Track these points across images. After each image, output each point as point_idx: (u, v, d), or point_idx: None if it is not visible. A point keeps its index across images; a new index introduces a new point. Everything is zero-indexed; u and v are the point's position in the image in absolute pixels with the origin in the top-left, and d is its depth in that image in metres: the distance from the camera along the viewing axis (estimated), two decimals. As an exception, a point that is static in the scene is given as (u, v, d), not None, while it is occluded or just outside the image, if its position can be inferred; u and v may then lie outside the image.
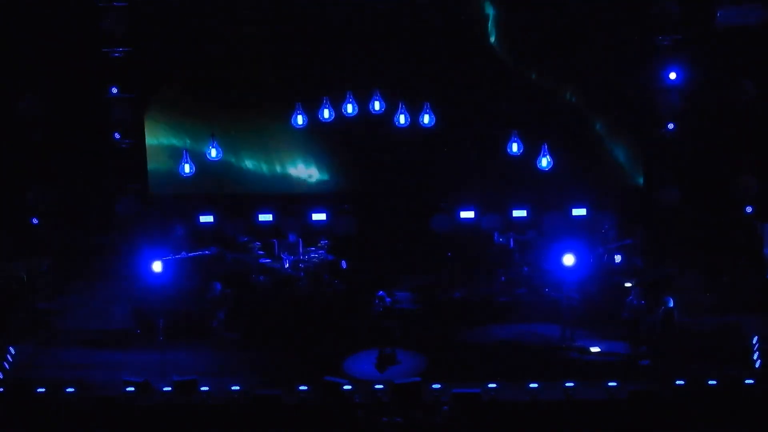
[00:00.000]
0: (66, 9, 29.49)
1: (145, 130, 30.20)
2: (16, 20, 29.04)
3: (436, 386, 24.37)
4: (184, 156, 29.71)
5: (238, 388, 24.85)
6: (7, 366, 26.21)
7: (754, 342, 25.61)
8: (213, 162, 30.05)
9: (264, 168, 30.64)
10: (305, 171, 30.60)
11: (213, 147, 29.64)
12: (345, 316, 28.16)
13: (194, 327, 27.62)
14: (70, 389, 24.76)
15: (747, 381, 24.19)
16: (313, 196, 30.46)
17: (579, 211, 29.45)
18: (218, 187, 30.47)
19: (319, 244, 29.32)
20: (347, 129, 30.06)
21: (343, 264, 29.44)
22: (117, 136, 29.87)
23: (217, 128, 30.06)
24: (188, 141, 30.26)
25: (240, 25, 29.71)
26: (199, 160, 30.01)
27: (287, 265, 28.98)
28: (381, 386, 24.54)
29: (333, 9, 29.45)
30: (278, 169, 30.64)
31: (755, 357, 25.41)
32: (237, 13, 29.57)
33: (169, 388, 24.59)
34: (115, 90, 29.50)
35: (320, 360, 26.27)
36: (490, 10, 29.53)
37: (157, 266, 28.67)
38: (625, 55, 29.15)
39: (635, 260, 28.60)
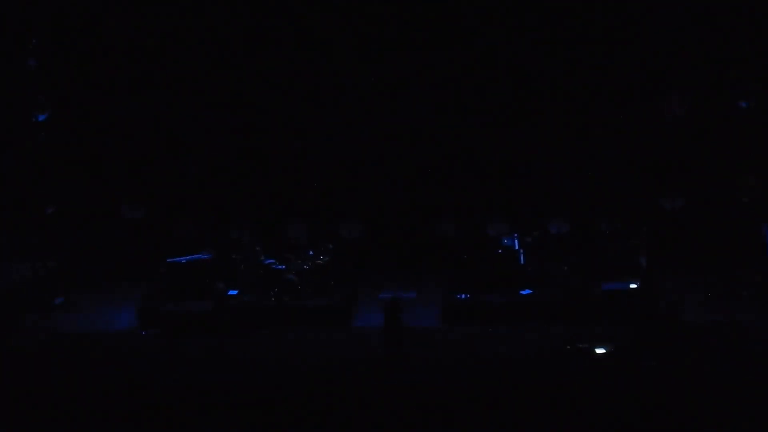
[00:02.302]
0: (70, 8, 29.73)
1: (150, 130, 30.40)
2: (26, 21, 29.14)
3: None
4: (188, 156, 29.90)
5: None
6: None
7: None
8: (218, 161, 30.24)
9: (268, 169, 30.78)
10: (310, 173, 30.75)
11: (217, 147, 29.85)
12: (349, 317, 28.37)
13: (199, 326, 27.70)
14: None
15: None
16: (317, 197, 30.59)
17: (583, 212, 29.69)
18: (222, 188, 30.62)
19: (323, 247, 29.36)
20: (351, 131, 30.31)
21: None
22: (122, 137, 30.06)
23: (222, 127, 30.26)
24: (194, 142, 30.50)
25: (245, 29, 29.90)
26: (204, 159, 30.19)
27: (291, 267, 29.00)
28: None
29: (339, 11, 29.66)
30: (282, 171, 30.80)
31: None
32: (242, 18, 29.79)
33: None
34: (119, 91, 29.74)
35: (321, 359, 26.48)
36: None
37: (162, 268, 28.98)
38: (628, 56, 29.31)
39: (639, 260, 28.55)
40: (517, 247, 28.99)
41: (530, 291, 28.52)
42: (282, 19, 29.65)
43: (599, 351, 26.14)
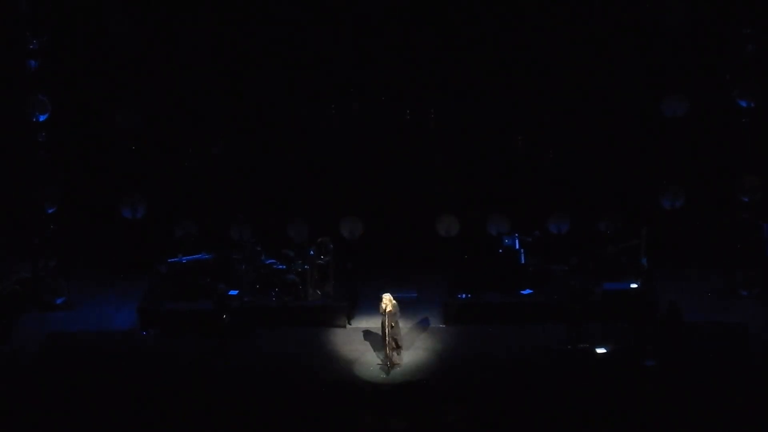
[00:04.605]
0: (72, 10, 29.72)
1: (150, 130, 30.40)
2: (22, 20, 29.10)
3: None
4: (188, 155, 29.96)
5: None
6: None
7: None
8: (219, 162, 30.28)
9: (268, 169, 30.80)
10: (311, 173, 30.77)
11: (220, 147, 29.89)
12: (349, 317, 28.40)
13: (200, 326, 27.62)
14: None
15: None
16: (318, 199, 30.63)
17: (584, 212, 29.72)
18: (223, 189, 30.63)
19: (324, 247, 29.24)
20: (353, 130, 30.35)
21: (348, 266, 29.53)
22: (122, 139, 30.09)
23: (225, 128, 30.29)
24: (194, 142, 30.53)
25: (245, 26, 29.87)
26: (205, 159, 30.25)
27: (292, 266, 28.96)
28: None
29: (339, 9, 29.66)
30: (282, 170, 30.81)
31: None
32: (243, 16, 29.77)
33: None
34: (120, 93, 29.78)
35: (324, 359, 26.53)
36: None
37: (162, 268, 28.98)
38: (629, 56, 29.34)
39: (640, 260, 28.57)
40: (517, 247, 28.98)
41: (531, 291, 28.53)
42: (282, 17, 29.63)
43: (600, 351, 26.15)
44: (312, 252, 28.78)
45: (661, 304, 27.15)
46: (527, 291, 28.50)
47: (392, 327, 25.86)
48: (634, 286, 27.92)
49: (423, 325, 28.01)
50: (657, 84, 29.27)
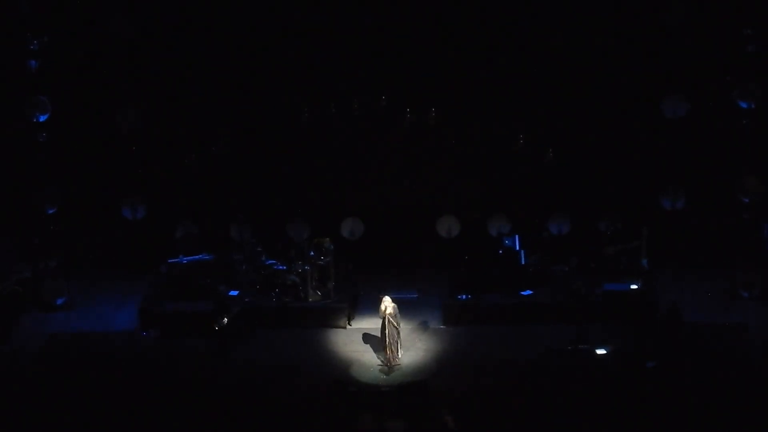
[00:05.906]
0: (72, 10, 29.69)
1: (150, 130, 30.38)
2: (23, 21, 29.09)
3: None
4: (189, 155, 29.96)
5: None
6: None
7: None
8: (219, 162, 30.28)
9: (268, 169, 30.78)
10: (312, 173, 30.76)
11: (219, 147, 29.90)
12: (350, 318, 28.39)
13: (201, 327, 27.61)
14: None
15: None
16: (318, 199, 30.63)
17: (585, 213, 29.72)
18: (223, 189, 30.62)
19: (325, 248, 29.22)
20: (352, 130, 30.33)
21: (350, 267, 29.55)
22: (122, 139, 30.08)
23: (225, 128, 30.28)
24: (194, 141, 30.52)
25: (245, 26, 29.86)
26: (205, 159, 30.26)
27: (293, 268, 28.95)
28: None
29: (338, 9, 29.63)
30: (283, 170, 30.80)
31: None
32: (241, 15, 29.75)
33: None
34: (120, 93, 29.77)
35: (324, 360, 26.52)
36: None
37: (163, 268, 28.98)
38: (629, 55, 29.33)
39: (641, 261, 28.57)
40: (518, 248, 28.98)
41: (531, 291, 28.52)
42: (282, 16, 29.60)
43: (600, 352, 26.15)
44: (312, 253, 28.81)
45: (661, 304, 27.20)
46: (527, 292, 28.52)
47: (392, 329, 25.90)
48: (634, 286, 27.95)
49: (423, 326, 28.01)
50: (657, 84, 29.28)
